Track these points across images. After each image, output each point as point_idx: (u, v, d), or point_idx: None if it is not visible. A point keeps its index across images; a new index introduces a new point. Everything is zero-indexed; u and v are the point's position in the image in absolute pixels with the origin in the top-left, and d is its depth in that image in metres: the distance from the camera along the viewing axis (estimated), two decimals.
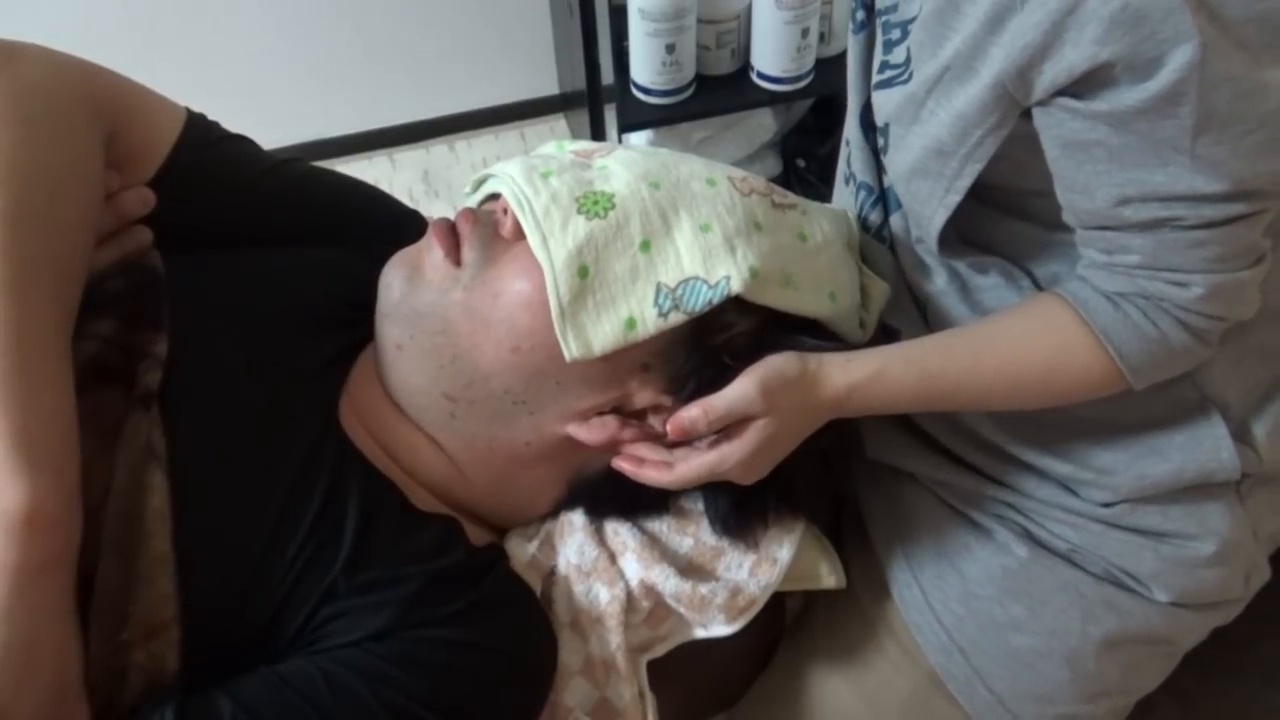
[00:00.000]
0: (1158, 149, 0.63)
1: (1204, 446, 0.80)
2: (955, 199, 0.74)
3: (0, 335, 0.59)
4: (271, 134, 0.94)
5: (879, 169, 0.88)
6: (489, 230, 0.76)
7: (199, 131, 0.81)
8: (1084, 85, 0.63)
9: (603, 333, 0.71)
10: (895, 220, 0.86)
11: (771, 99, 1.83)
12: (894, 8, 0.77)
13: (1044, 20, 0.62)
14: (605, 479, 0.78)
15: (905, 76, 0.75)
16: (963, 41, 0.67)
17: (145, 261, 0.76)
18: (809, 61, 1.78)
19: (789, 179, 2.10)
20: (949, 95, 0.70)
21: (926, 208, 0.76)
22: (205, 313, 0.75)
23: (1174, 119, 0.62)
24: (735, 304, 0.74)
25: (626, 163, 0.78)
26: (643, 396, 0.75)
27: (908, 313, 0.89)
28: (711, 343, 0.75)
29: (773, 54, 1.75)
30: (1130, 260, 0.70)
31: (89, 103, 0.72)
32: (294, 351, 0.77)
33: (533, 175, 0.75)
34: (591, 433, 0.75)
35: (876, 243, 0.90)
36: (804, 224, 0.80)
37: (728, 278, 0.72)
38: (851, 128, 0.90)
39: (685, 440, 0.74)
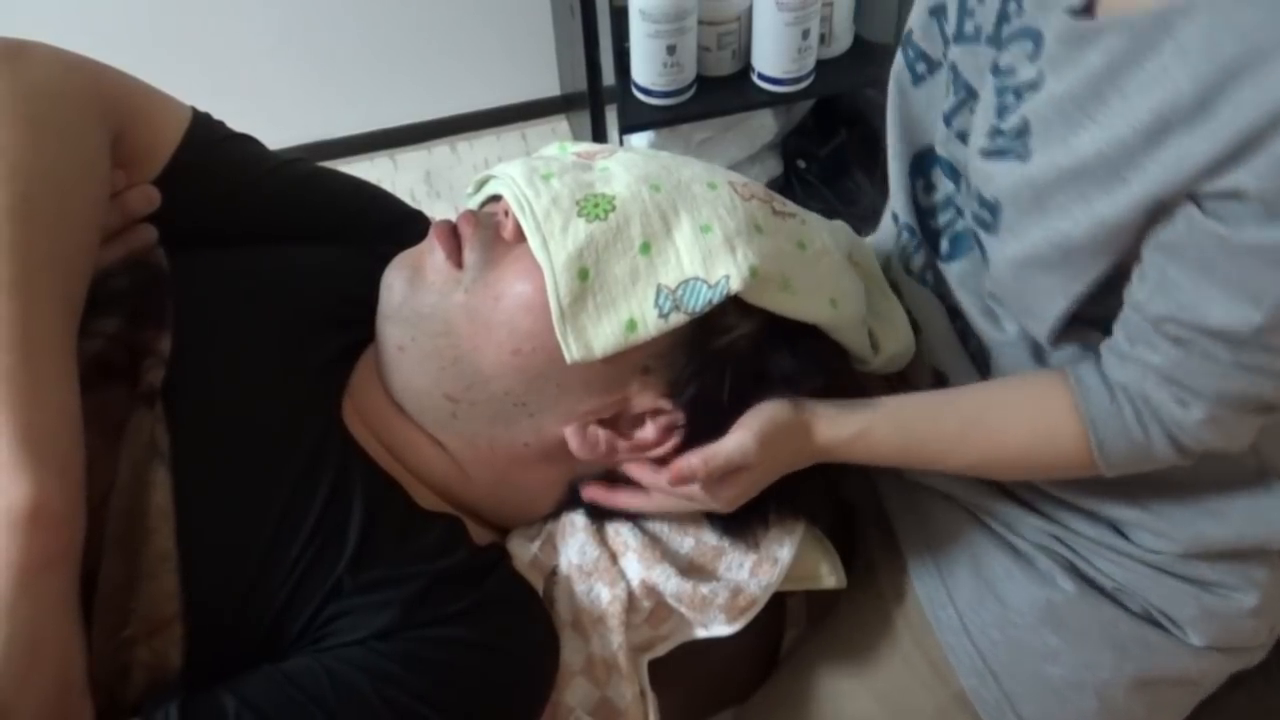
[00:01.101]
0: (1238, 286, 0.62)
1: (1265, 517, 0.80)
2: (1081, 289, 0.71)
3: (6, 332, 0.59)
4: (275, 134, 0.95)
5: (922, 212, 0.88)
6: (490, 232, 0.76)
7: (204, 131, 0.81)
8: (1217, 201, 0.61)
9: (603, 334, 0.71)
10: (957, 267, 0.85)
11: (772, 100, 1.84)
12: (1010, 71, 0.73)
13: (1220, 146, 0.59)
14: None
15: (1023, 152, 0.70)
16: (1108, 144, 0.63)
17: (150, 259, 0.77)
18: (809, 63, 1.78)
19: (789, 180, 2.11)
20: (1087, 198, 0.66)
21: (1042, 297, 0.73)
22: (209, 311, 0.75)
23: (1276, 269, 0.61)
24: (736, 307, 0.74)
25: (628, 165, 0.78)
26: (643, 400, 0.75)
27: (956, 359, 0.88)
28: (712, 346, 0.75)
29: (773, 55, 1.75)
30: (1150, 360, 0.69)
31: (95, 101, 0.72)
32: (297, 350, 0.77)
33: (534, 177, 0.76)
34: (583, 445, 0.75)
35: (918, 285, 0.90)
36: (803, 232, 0.80)
37: (727, 277, 0.72)
38: (896, 171, 0.89)
39: (680, 480, 0.74)
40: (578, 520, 0.81)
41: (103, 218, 0.71)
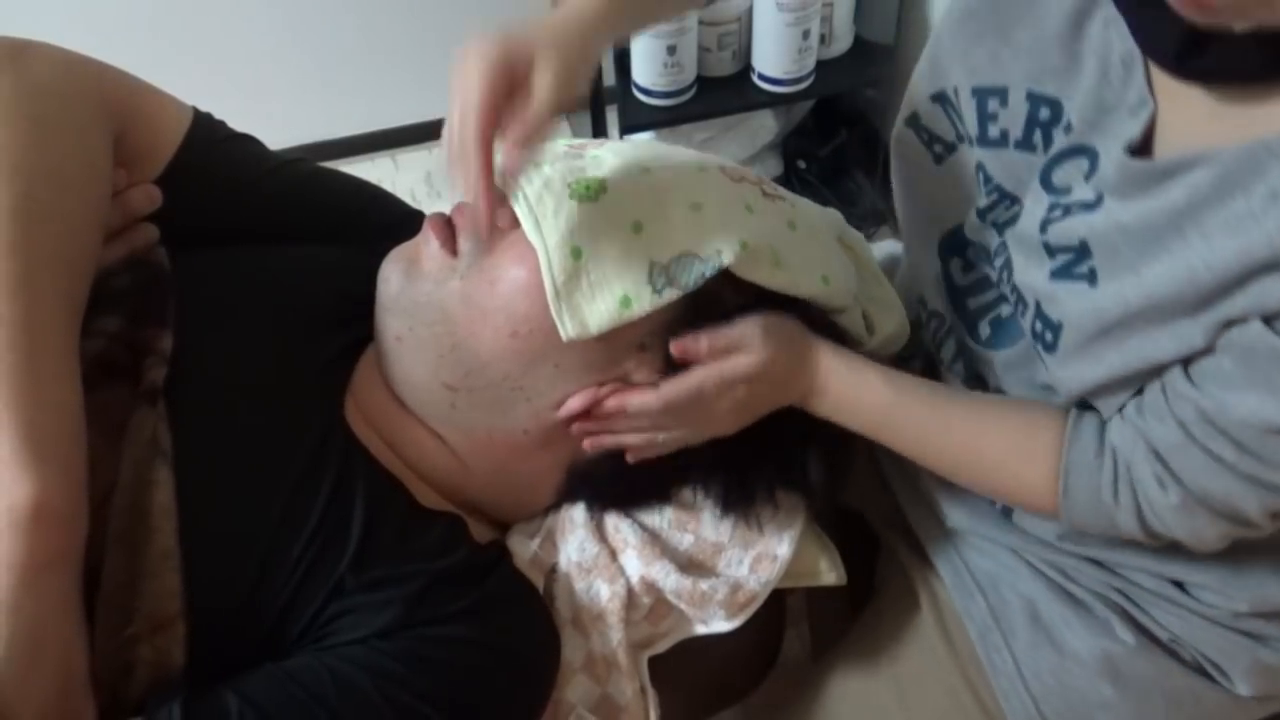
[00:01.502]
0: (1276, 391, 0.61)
1: None
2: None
3: (9, 331, 0.59)
4: (276, 135, 0.95)
5: (957, 291, 0.87)
6: None
7: (205, 131, 0.81)
8: None
9: (598, 311, 0.72)
10: (1004, 355, 0.84)
11: (772, 100, 1.83)
12: (1066, 189, 0.72)
13: None
14: (603, 468, 0.79)
15: (1086, 273, 0.69)
16: (1187, 282, 0.61)
17: (151, 258, 0.77)
18: (810, 63, 1.78)
19: (790, 180, 2.11)
20: (1166, 325, 0.65)
21: (1109, 395, 0.73)
22: (210, 310, 0.76)
23: None
24: (729, 283, 0.75)
25: (618, 151, 0.79)
26: (639, 377, 0.76)
27: None
28: (707, 321, 0.75)
29: (774, 55, 1.75)
30: (1151, 431, 0.69)
31: (97, 101, 0.72)
32: (298, 349, 0.78)
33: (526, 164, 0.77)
34: (579, 400, 0.75)
35: (949, 375, 0.90)
36: (793, 213, 0.82)
37: (719, 251, 0.73)
38: (922, 252, 0.88)
39: (683, 353, 0.75)
40: (577, 517, 0.81)
41: (104, 217, 0.71)
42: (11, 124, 0.65)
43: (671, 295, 0.73)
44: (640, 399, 0.75)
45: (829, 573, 0.87)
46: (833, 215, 0.90)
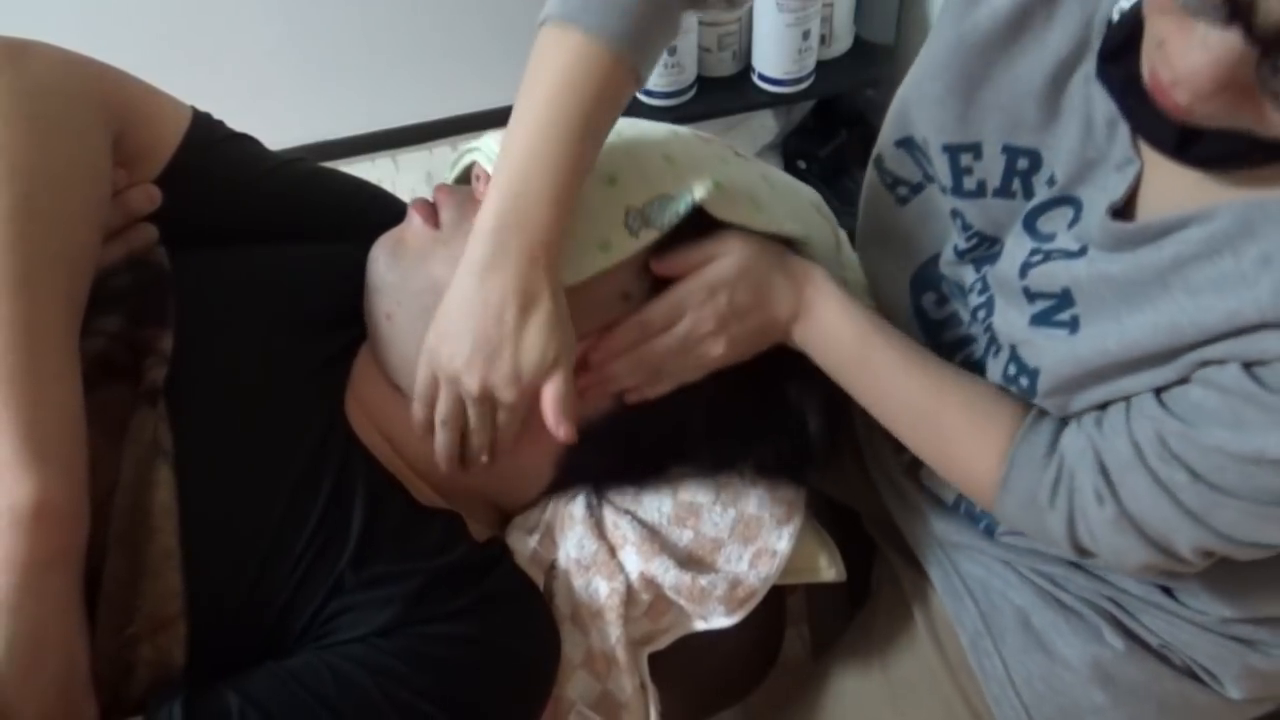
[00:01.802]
0: (1248, 428, 0.60)
1: None
2: None
3: (9, 331, 0.59)
4: (276, 135, 0.95)
5: (932, 325, 0.87)
6: (464, 195, 0.80)
7: (204, 130, 0.81)
8: (1266, 370, 0.60)
9: (578, 260, 0.74)
10: None
11: (773, 101, 1.83)
12: (1050, 236, 0.73)
13: None
14: (599, 433, 0.78)
15: (1067, 320, 0.70)
16: (1169, 335, 0.62)
17: (151, 258, 0.77)
18: (810, 63, 1.78)
19: None
20: (1140, 373, 0.65)
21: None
22: (210, 309, 0.76)
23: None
24: (708, 225, 0.77)
25: None
26: None
27: None
28: None
29: (774, 56, 1.75)
30: (1102, 443, 0.69)
31: (97, 101, 0.72)
32: (298, 348, 0.78)
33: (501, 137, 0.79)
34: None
35: None
36: (767, 171, 0.85)
37: (691, 189, 0.76)
38: (891, 292, 0.88)
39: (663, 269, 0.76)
40: (576, 513, 0.82)
41: (104, 217, 0.72)
42: (11, 124, 0.65)
43: (649, 237, 0.75)
44: (623, 329, 0.76)
45: (828, 569, 0.87)
46: (810, 190, 0.91)
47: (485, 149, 0.80)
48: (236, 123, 0.85)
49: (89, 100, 0.71)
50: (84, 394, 0.63)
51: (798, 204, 0.85)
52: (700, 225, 0.77)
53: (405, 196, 0.97)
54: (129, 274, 0.75)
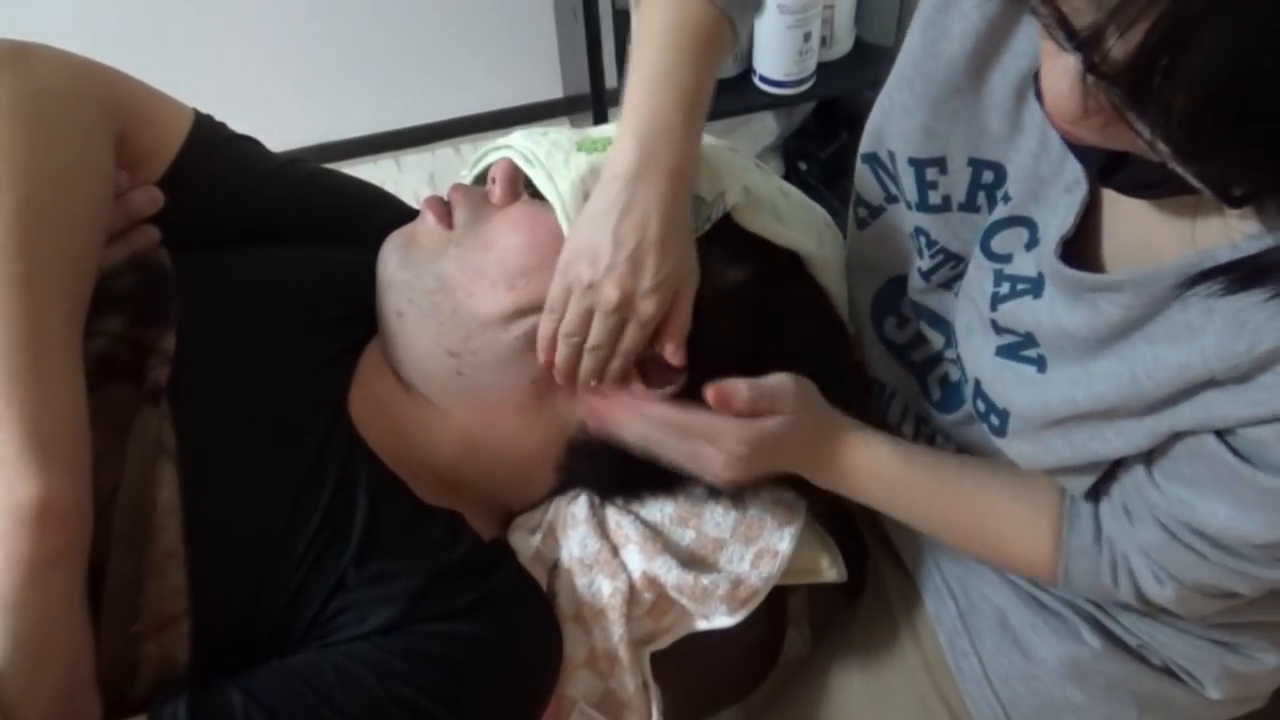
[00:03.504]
0: (1246, 508, 0.61)
1: None
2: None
3: (13, 331, 0.59)
4: (280, 137, 0.95)
5: (896, 349, 0.88)
6: (479, 196, 0.80)
7: (206, 132, 0.82)
8: (1243, 442, 0.60)
9: None
10: (953, 419, 0.85)
11: (774, 102, 1.83)
12: (1007, 257, 0.72)
13: (1257, 412, 0.57)
14: (603, 443, 0.78)
15: (1035, 358, 0.70)
16: (1133, 389, 0.62)
17: (153, 260, 0.77)
18: (811, 65, 1.78)
19: (791, 181, 2.11)
20: (1113, 423, 0.65)
21: (1078, 486, 0.74)
22: (212, 310, 0.76)
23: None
24: (724, 254, 0.77)
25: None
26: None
27: None
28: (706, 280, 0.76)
29: (775, 58, 1.75)
30: (1137, 533, 0.69)
31: (99, 103, 0.72)
32: (300, 348, 0.78)
33: (533, 134, 0.81)
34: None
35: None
36: (786, 188, 0.85)
37: (723, 193, 0.76)
38: (856, 319, 0.89)
39: (722, 400, 0.74)
40: (579, 513, 0.82)
41: (107, 218, 0.72)
42: (14, 126, 0.65)
43: None
44: (649, 406, 0.75)
45: (830, 569, 0.87)
46: (821, 208, 0.91)
47: (518, 146, 0.80)
48: (240, 124, 0.85)
49: (91, 103, 0.72)
50: (87, 393, 0.63)
51: (811, 219, 0.86)
52: (719, 229, 0.77)
53: (408, 198, 0.97)
54: (131, 275, 0.75)
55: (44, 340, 0.61)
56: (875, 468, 0.78)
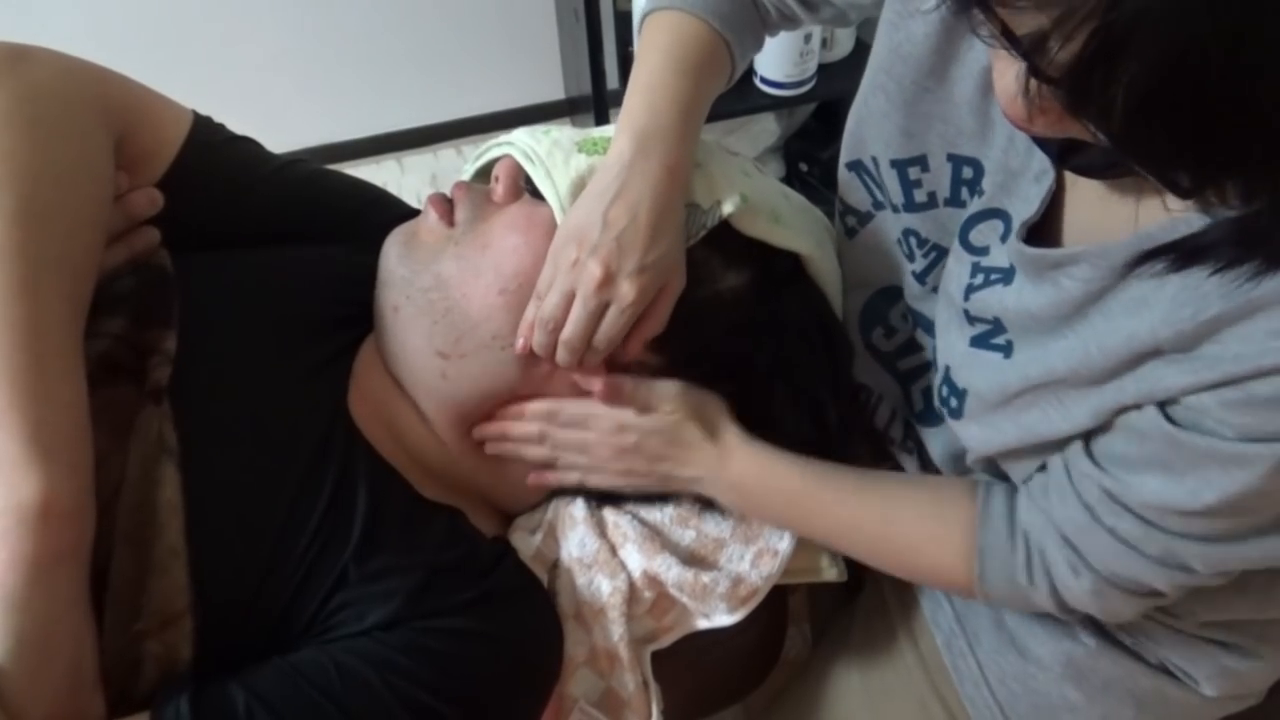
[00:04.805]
0: (1181, 475, 0.61)
1: None
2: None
3: (14, 332, 0.60)
4: (281, 139, 0.95)
5: (884, 357, 0.88)
6: (481, 194, 0.80)
7: (205, 134, 0.82)
8: (1183, 411, 0.61)
9: None
10: (938, 441, 0.85)
11: (775, 104, 1.84)
12: (984, 250, 0.74)
13: (1199, 380, 0.58)
14: None
15: (1003, 345, 0.71)
16: (1084, 361, 0.64)
17: (154, 261, 0.77)
18: (812, 67, 1.79)
19: (792, 183, 2.11)
20: (1061, 399, 0.67)
21: (1020, 473, 0.75)
22: (213, 310, 0.76)
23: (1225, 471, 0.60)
24: (723, 260, 0.77)
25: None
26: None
27: None
28: (698, 291, 0.76)
29: (776, 59, 1.76)
30: (1057, 516, 0.69)
31: (98, 105, 0.73)
32: (300, 347, 0.78)
33: (535, 132, 0.81)
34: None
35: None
36: (785, 190, 0.85)
37: (719, 202, 0.76)
38: (849, 329, 0.89)
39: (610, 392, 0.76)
40: (577, 513, 0.82)
41: (107, 219, 0.72)
42: (13, 128, 0.66)
43: None
44: (533, 403, 0.78)
45: (829, 569, 0.88)
46: (820, 213, 0.91)
47: (520, 143, 0.80)
48: (242, 126, 0.86)
49: (90, 105, 0.72)
50: (89, 394, 0.63)
51: (812, 222, 0.86)
52: (717, 235, 0.77)
53: (410, 199, 0.98)
54: (132, 277, 0.75)
55: (45, 341, 0.61)
56: (771, 482, 0.78)
